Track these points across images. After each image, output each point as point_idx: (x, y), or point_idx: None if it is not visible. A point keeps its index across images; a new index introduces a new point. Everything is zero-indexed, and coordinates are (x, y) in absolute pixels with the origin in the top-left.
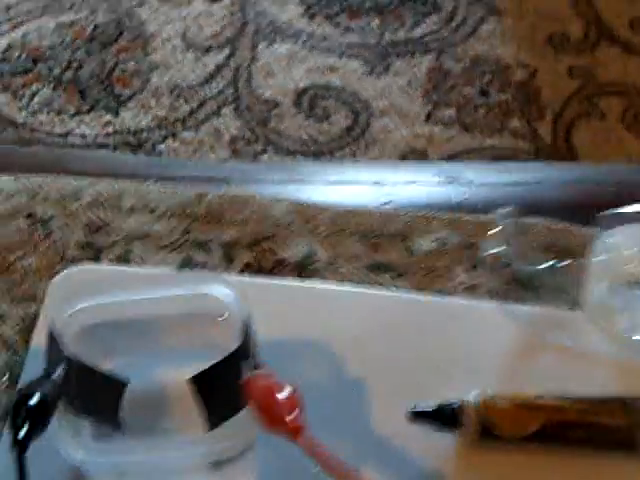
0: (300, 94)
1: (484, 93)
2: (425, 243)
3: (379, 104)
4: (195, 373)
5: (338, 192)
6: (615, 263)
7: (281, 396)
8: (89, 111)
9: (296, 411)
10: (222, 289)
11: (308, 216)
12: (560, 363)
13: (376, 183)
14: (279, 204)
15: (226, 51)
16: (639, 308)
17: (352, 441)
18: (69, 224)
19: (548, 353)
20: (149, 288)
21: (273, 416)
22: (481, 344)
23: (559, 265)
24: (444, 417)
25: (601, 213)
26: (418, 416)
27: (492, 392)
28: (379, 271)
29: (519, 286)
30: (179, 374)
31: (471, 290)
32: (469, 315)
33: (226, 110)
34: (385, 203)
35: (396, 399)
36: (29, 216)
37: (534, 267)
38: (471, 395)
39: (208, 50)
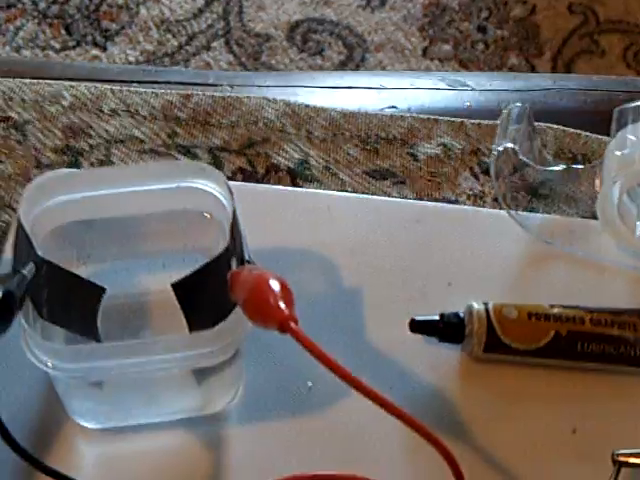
0: (293, 28)
1: (482, 29)
2: (429, 148)
3: (374, 39)
4: (178, 279)
5: (336, 96)
6: (632, 160)
7: (273, 284)
8: (75, 47)
9: (287, 302)
10: (207, 182)
11: (303, 119)
12: (571, 274)
13: (376, 88)
14: (272, 106)
15: None
16: None
17: (349, 353)
18: (47, 128)
19: (559, 264)
20: (126, 183)
21: (264, 304)
22: (488, 253)
23: (572, 169)
24: (448, 327)
25: (617, 108)
26: (420, 326)
27: (500, 301)
28: (379, 177)
29: (529, 193)
30: (161, 280)
31: (478, 198)
32: (475, 223)
33: (216, 44)
34: (387, 107)
35: (396, 310)
36: (4, 120)
37: (546, 171)
38: (477, 303)
39: None
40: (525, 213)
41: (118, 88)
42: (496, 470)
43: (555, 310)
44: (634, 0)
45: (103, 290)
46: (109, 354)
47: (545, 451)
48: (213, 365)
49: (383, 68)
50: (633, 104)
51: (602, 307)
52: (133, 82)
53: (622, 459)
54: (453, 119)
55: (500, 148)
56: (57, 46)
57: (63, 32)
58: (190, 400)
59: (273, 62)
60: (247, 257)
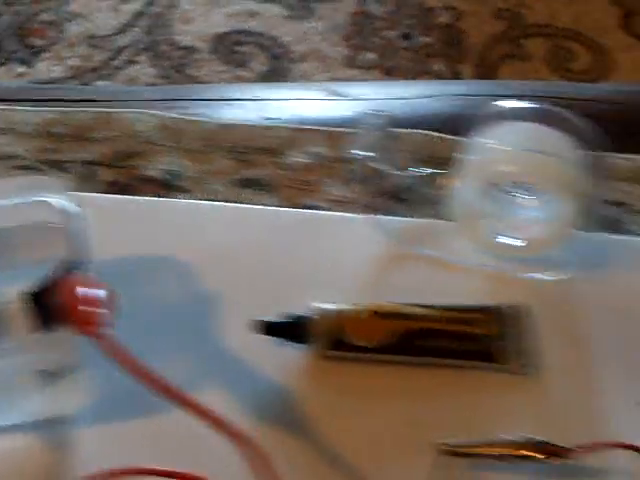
0: (218, 40)
1: (407, 37)
2: (298, 157)
3: (299, 49)
4: (25, 289)
5: (215, 109)
6: (485, 163)
7: (81, 290)
8: (2, 64)
9: (98, 310)
10: (55, 196)
11: (178, 131)
12: (428, 274)
13: (252, 100)
14: (148, 119)
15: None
16: (507, 211)
17: (204, 358)
18: None
19: (416, 265)
20: None
21: (69, 308)
22: (348, 257)
23: (430, 174)
24: (294, 328)
25: (472, 113)
26: (267, 328)
27: (348, 302)
28: (249, 187)
29: (390, 198)
30: (13, 291)
31: (343, 204)
32: (337, 229)
33: (142, 58)
34: (261, 118)
35: (253, 314)
36: None
37: (405, 176)
38: (323, 303)
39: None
40: (386, 217)
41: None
42: (338, 465)
43: (401, 309)
44: (559, 4)
45: None
46: None
47: (386, 445)
48: (58, 369)
49: (307, 78)
50: (487, 110)
51: (450, 305)
52: (19, 100)
53: (449, 449)
54: (323, 128)
55: (357, 155)
56: None
57: None
58: (35, 403)
59: (198, 75)
60: (86, 266)
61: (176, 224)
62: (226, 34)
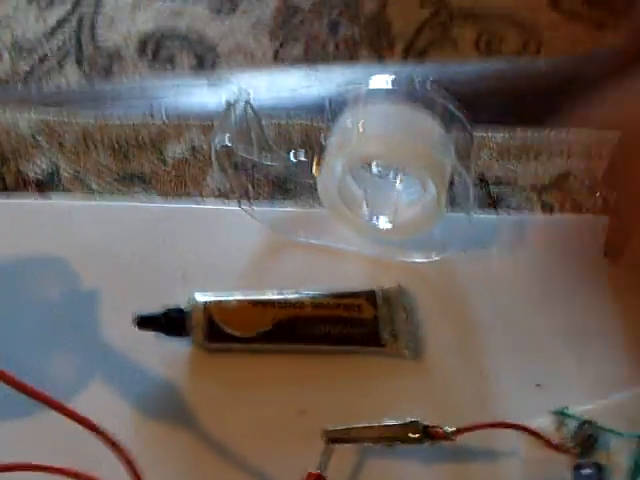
0: (144, 41)
1: (333, 28)
2: (177, 151)
3: (225, 46)
4: None
5: (98, 107)
6: (349, 143)
7: None
8: None
9: None
10: None
11: (56, 131)
12: (306, 261)
13: (138, 97)
14: (25, 119)
15: (69, 4)
16: (378, 195)
17: (85, 355)
18: None
19: (295, 252)
20: None
21: None
22: (227, 248)
23: (305, 161)
24: (171, 321)
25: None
26: (145, 322)
27: (226, 293)
28: (130, 182)
29: (268, 187)
30: None
31: (221, 196)
32: (215, 220)
33: (68, 63)
34: (143, 113)
35: (132, 309)
36: None
37: (281, 165)
38: (199, 295)
39: (51, 4)
40: (262, 207)
41: None
42: (223, 457)
43: (280, 297)
44: None
45: None
46: None
47: (275, 434)
48: None
49: (234, 74)
50: (346, 91)
51: (328, 291)
52: None
53: (332, 435)
54: (204, 122)
55: (217, 145)
56: None
57: None
58: None
59: (124, 76)
60: None
61: (53, 224)
62: (151, 34)
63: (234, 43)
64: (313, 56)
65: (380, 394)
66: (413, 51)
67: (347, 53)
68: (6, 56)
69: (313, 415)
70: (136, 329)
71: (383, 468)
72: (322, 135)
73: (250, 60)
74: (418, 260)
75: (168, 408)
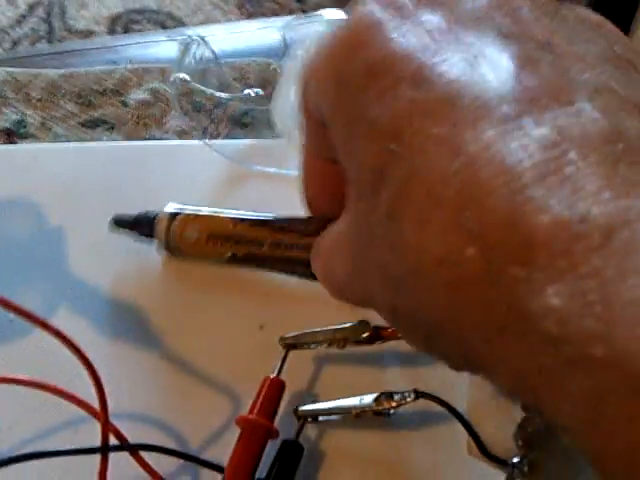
0: (114, 21)
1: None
2: (139, 94)
3: (193, 20)
4: None
5: (61, 61)
6: (299, 69)
7: None
8: None
9: None
10: None
11: (22, 83)
12: (264, 189)
13: (102, 48)
14: None
15: None
16: None
17: (52, 284)
18: None
19: (254, 182)
20: None
21: None
22: (190, 182)
23: (259, 92)
24: (143, 227)
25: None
26: (119, 225)
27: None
28: (93, 126)
29: (229, 123)
30: None
31: (183, 134)
32: (177, 156)
33: (40, 47)
34: (105, 64)
35: (96, 240)
36: None
37: (238, 101)
38: (171, 209)
39: None
40: (223, 140)
41: None
42: (185, 366)
43: (238, 230)
44: None
45: None
46: None
47: (234, 347)
48: None
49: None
50: (300, 20)
51: (291, 225)
52: None
53: (288, 341)
54: (164, 65)
55: (174, 79)
56: None
57: None
58: None
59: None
60: None
61: (20, 168)
62: (121, 14)
63: (203, 17)
64: None
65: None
66: None
67: None
68: None
69: (272, 329)
70: (112, 230)
71: (337, 372)
72: (279, 67)
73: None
74: None
75: (135, 317)
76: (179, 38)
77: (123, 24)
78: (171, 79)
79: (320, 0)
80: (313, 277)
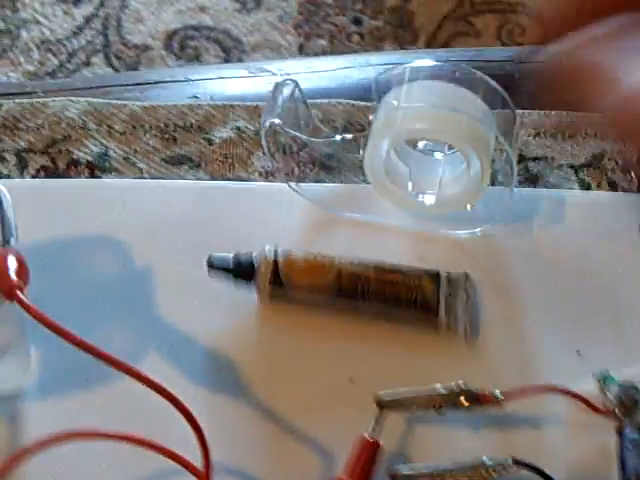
0: (170, 36)
1: (357, 21)
2: (223, 132)
3: (250, 40)
4: None
5: (142, 92)
6: (394, 120)
7: (3, 258)
8: None
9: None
10: None
11: (104, 115)
12: (353, 236)
13: (181, 81)
14: (74, 105)
15: (95, 1)
16: (422, 170)
17: (139, 328)
18: None
19: (341, 228)
20: None
21: None
22: (275, 225)
23: (348, 139)
24: (240, 266)
25: (375, 76)
26: (215, 265)
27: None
28: (177, 163)
29: (314, 166)
30: None
31: (270, 175)
32: (262, 198)
33: (96, 59)
34: (189, 98)
35: (188, 281)
36: None
37: (325, 144)
38: (268, 246)
39: (77, 2)
40: (309, 185)
41: None
42: (277, 418)
43: (342, 260)
44: None
45: None
46: None
47: (323, 397)
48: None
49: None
50: (391, 71)
51: (390, 265)
52: None
53: (384, 401)
54: (248, 103)
55: (267, 124)
56: None
57: None
58: None
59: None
60: (12, 241)
61: (104, 203)
62: (178, 30)
63: (260, 37)
64: (338, 49)
65: (429, 364)
66: (436, 43)
67: (371, 46)
68: (35, 53)
69: (365, 379)
70: (198, 296)
71: (432, 434)
72: (372, 114)
73: (276, 54)
74: (461, 234)
75: (229, 366)
76: (262, 74)
77: (179, 40)
78: (265, 123)
79: (377, 23)
80: (413, 304)
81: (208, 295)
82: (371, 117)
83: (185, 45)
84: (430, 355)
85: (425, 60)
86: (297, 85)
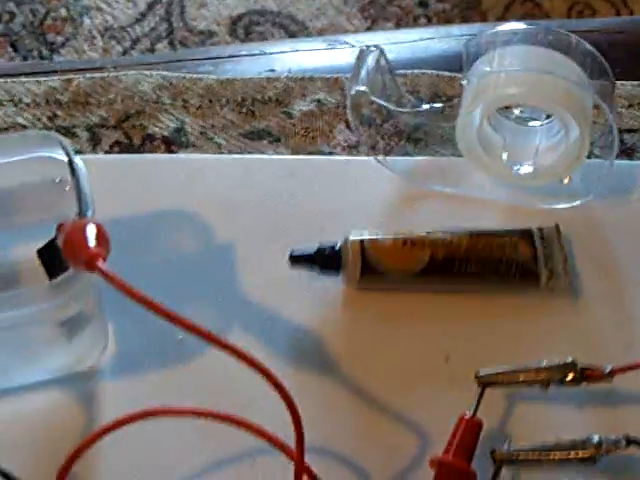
0: (235, 22)
1: (423, 4)
2: (303, 105)
3: (316, 24)
4: (41, 245)
5: (218, 67)
6: (487, 87)
7: (83, 227)
8: (22, 62)
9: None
10: (53, 150)
11: (179, 89)
12: (444, 210)
13: (256, 54)
14: (148, 80)
15: None
16: (517, 139)
17: (223, 305)
18: None
19: (431, 201)
20: None
21: (73, 245)
22: (360, 199)
23: (437, 109)
24: (325, 258)
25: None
26: (298, 260)
27: (377, 232)
28: (255, 138)
29: (399, 139)
30: (28, 249)
31: (352, 148)
32: (347, 172)
33: (160, 46)
34: (265, 71)
35: (270, 258)
36: None
37: (411, 115)
38: (353, 234)
39: None
40: (395, 157)
41: (3, 80)
42: (371, 399)
43: (431, 236)
44: None
45: None
46: None
47: (418, 377)
48: (76, 317)
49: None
50: (483, 36)
51: (477, 230)
52: (20, 75)
53: (485, 379)
54: (328, 75)
55: (352, 92)
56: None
57: (10, 49)
58: (62, 357)
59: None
60: (88, 214)
61: (184, 179)
62: (242, 15)
63: (326, 21)
64: None
65: (530, 333)
66: None
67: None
68: (98, 40)
69: (463, 356)
70: (282, 273)
71: (532, 411)
72: (462, 82)
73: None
74: (559, 206)
75: (315, 347)
76: (340, 46)
77: (244, 25)
78: (351, 92)
79: (444, 6)
80: (512, 280)
81: (292, 275)
82: (464, 83)
83: (250, 30)
84: (529, 327)
85: (516, 23)
86: (382, 52)
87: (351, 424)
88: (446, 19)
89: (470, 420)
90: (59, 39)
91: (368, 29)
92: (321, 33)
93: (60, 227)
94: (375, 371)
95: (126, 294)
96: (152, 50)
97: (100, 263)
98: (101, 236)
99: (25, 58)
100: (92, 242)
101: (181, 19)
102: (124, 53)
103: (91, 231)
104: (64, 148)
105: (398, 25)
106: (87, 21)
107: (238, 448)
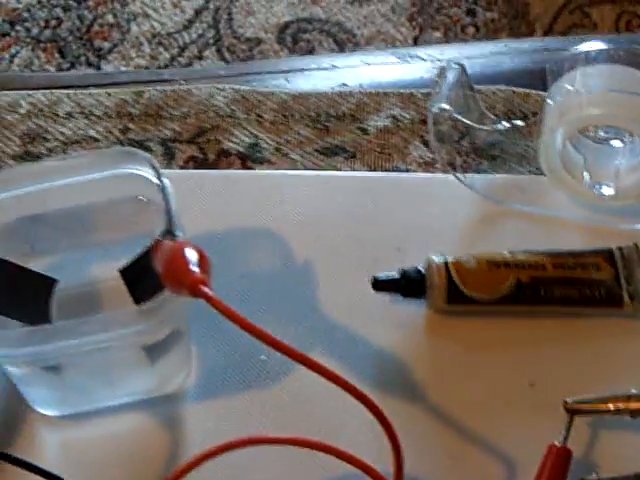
0: (282, 29)
1: (471, 12)
2: (378, 121)
3: (364, 32)
4: (125, 264)
5: (290, 80)
6: (570, 108)
7: (185, 251)
8: (70, 68)
9: (201, 268)
10: (138, 166)
11: (253, 103)
12: (523, 230)
13: (327, 69)
14: (221, 94)
15: None
16: (599, 160)
17: (309, 321)
18: (5, 136)
19: (511, 221)
20: (64, 175)
21: (176, 269)
22: (438, 217)
23: (516, 126)
24: (409, 282)
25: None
26: (383, 284)
27: (461, 255)
28: (331, 154)
29: (479, 155)
30: (110, 268)
31: (428, 165)
32: (424, 189)
33: (208, 53)
34: (338, 86)
35: (349, 277)
36: None
37: (489, 132)
38: (436, 257)
39: None
40: (473, 175)
41: (73, 92)
42: (455, 425)
43: (515, 257)
44: None
45: (54, 282)
46: (56, 334)
47: (503, 404)
48: (161, 340)
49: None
50: (565, 54)
51: (560, 251)
52: (89, 86)
53: (574, 407)
54: (402, 90)
55: (434, 109)
56: (52, 69)
57: (57, 55)
58: (145, 380)
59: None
60: (177, 233)
61: (260, 195)
62: (289, 23)
63: (374, 29)
64: (453, 42)
65: (617, 358)
66: (553, 34)
67: (487, 38)
68: (146, 46)
69: (549, 382)
70: (362, 295)
71: (620, 439)
72: (538, 102)
73: (391, 46)
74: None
75: (400, 369)
76: (410, 60)
77: (292, 33)
78: (433, 109)
79: (492, 15)
80: (595, 302)
81: (374, 297)
82: (549, 101)
83: (298, 38)
84: (614, 351)
85: (596, 43)
86: (464, 69)
87: (436, 451)
88: (494, 29)
89: (560, 449)
90: (106, 45)
91: (416, 38)
92: (369, 42)
93: (155, 247)
94: (460, 397)
95: (233, 321)
96: (200, 57)
97: (206, 289)
98: (202, 258)
99: (72, 64)
100: (195, 267)
101: (228, 26)
102: (172, 60)
103: (193, 254)
104: (153, 167)
105: (446, 34)
106: (134, 27)
107: (328, 475)
